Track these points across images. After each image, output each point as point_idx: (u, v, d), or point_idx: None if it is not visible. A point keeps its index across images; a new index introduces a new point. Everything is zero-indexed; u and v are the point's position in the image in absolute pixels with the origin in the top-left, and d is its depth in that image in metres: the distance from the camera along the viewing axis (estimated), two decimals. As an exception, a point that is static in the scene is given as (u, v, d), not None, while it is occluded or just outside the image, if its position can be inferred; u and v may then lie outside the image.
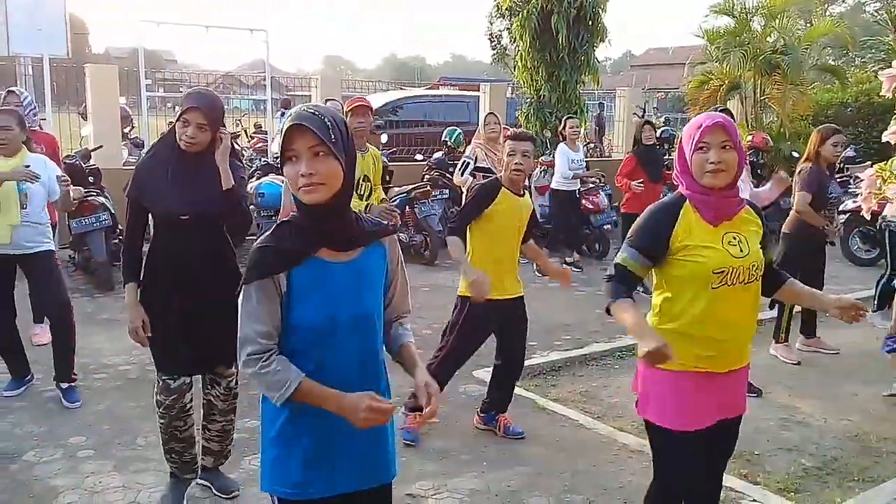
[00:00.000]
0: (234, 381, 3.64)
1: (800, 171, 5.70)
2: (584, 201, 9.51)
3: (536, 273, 8.74)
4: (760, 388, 5.13)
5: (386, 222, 2.28)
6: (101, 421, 4.51)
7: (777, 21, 12.97)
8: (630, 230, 2.66)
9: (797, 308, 5.81)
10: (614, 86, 15.29)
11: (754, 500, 3.75)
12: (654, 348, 2.32)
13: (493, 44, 14.51)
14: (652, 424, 2.69)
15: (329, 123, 1.99)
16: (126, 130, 11.91)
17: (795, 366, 5.83)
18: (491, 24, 13.63)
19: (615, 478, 3.96)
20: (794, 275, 2.85)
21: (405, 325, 2.32)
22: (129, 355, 5.59)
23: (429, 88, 18.43)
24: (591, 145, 16.54)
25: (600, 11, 10.79)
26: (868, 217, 4.91)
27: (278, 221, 2.17)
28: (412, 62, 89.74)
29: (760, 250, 2.62)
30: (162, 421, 3.51)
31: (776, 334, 6.04)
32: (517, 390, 5.03)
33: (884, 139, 4.54)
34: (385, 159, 11.07)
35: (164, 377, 3.45)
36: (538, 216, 9.06)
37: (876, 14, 22.13)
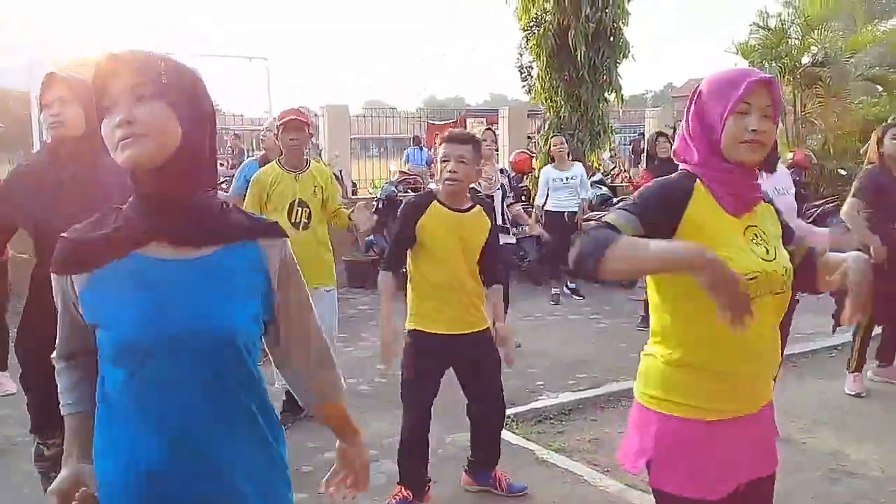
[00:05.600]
0: None
1: (860, 177, 5.01)
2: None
3: (552, 303, 8.06)
4: (804, 430, 4.33)
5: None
6: None
7: (816, 33, 12.22)
8: (630, 198, 2.01)
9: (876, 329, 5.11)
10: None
11: (794, 578, 2.98)
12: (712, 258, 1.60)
13: (523, 75, 14.04)
14: (665, 494, 1.95)
15: (160, 62, 1.45)
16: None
17: (851, 401, 4.98)
18: (521, 55, 13.12)
19: (619, 549, 3.22)
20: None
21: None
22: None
23: (453, 123, 18.09)
24: (623, 174, 15.83)
25: (621, 25, 10.16)
26: None
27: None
28: (451, 103, 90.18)
29: (788, 255, 1.97)
30: None
31: (850, 362, 5.14)
32: (514, 439, 4.37)
33: None
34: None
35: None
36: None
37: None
